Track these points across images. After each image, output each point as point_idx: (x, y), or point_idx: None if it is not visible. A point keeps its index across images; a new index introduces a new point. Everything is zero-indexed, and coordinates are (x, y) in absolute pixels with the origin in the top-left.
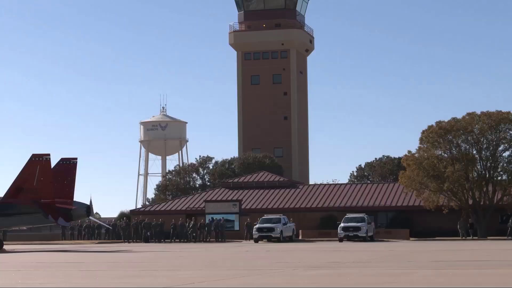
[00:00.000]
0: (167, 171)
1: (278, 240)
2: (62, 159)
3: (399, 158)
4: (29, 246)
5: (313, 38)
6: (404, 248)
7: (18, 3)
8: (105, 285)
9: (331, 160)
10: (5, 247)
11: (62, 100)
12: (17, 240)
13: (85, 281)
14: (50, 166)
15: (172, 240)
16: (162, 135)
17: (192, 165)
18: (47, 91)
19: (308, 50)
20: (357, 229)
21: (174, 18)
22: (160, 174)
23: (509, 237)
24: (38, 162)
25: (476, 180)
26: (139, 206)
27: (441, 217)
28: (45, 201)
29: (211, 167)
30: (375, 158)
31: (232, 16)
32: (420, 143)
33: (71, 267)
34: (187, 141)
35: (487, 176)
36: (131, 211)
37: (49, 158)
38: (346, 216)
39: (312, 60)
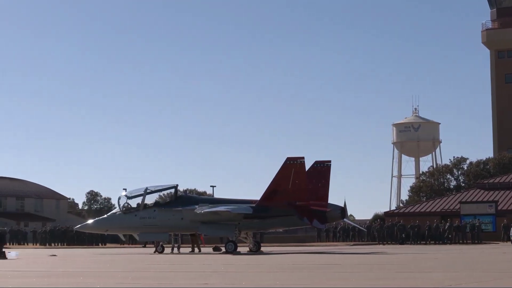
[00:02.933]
0: (420, 172)
1: None
2: (316, 162)
3: None
4: (285, 248)
5: None
6: None
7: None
8: (358, 286)
9: None
10: (262, 248)
11: (311, 104)
12: (274, 242)
13: (337, 282)
14: (305, 169)
15: (427, 242)
16: (415, 136)
17: (446, 166)
18: (296, 95)
19: None
20: None
21: (424, 17)
22: (413, 176)
23: None
24: (292, 165)
25: None
26: (393, 207)
27: None
28: (300, 203)
29: (465, 168)
30: None
31: (484, 14)
32: None
33: (325, 269)
34: (440, 142)
35: None
36: (385, 213)
37: (303, 161)
38: None
39: None
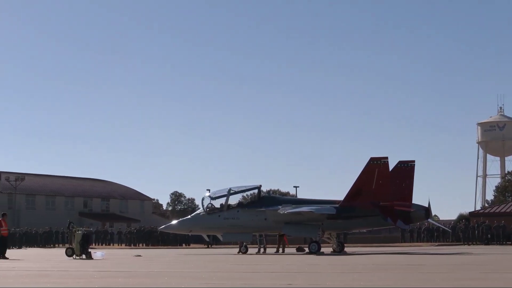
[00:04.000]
0: (506, 172)
1: None
2: (400, 162)
3: None
4: (368, 248)
5: None
6: None
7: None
8: (442, 286)
9: None
10: (345, 249)
11: (395, 103)
12: (357, 243)
13: (421, 283)
14: (388, 169)
15: None
16: (500, 135)
17: None
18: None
19: None
20: None
21: (510, 15)
22: (498, 175)
23: None
24: (376, 165)
25: None
26: (478, 207)
27: None
28: (384, 204)
29: None
30: None
31: None
32: None
33: (409, 269)
34: None
35: None
36: (470, 213)
37: (387, 161)
38: None
39: None
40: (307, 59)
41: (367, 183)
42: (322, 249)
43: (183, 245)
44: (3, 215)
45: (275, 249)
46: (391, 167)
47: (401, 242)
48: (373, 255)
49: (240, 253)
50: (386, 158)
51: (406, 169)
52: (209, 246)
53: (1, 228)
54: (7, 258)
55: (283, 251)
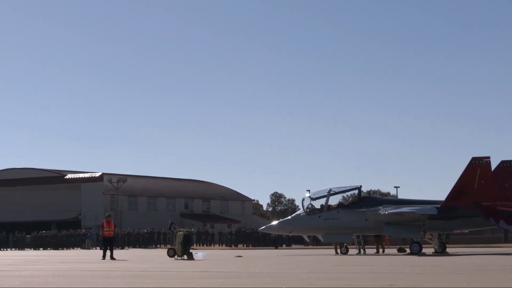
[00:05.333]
0: None
1: None
2: (503, 162)
3: None
4: (471, 249)
5: None
6: None
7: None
8: None
9: None
10: (447, 250)
11: (497, 101)
12: (459, 243)
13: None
14: (491, 169)
15: None
16: None
17: None
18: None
19: None
20: None
21: None
22: None
23: None
24: (478, 165)
25: None
26: None
27: None
28: (486, 204)
29: None
30: None
31: None
32: None
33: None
34: None
35: None
36: None
37: (489, 160)
38: None
39: None
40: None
41: (469, 183)
42: (424, 250)
43: (284, 245)
44: (107, 216)
45: (374, 250)
46: (493, 166)
47: (504, 243)
48: (475, 256)
49: (340, 253)
50: (488, 157)
51: (509, 168)
52: (276, 248)
53: (104, 230)
54: (114, 259)
55: (383, 251)
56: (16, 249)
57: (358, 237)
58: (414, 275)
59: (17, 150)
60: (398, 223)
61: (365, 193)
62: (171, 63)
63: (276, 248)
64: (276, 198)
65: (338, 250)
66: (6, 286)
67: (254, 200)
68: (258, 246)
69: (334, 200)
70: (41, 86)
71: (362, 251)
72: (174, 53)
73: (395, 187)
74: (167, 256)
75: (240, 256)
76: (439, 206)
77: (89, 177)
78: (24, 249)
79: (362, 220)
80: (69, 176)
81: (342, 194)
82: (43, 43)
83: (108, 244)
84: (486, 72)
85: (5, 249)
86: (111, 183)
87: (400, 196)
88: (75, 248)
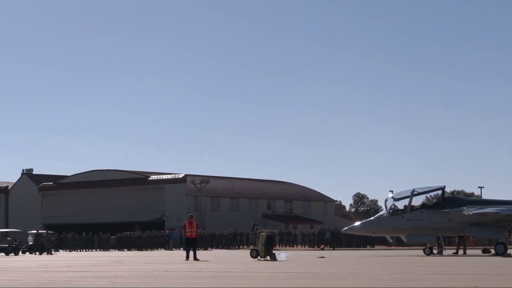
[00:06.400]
0: None
1: None
2: None
3: None
4: None
5: None
6: None
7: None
8: None
9: None
10: None
11: None
12: None
13: None
14: None
15: None
16: None
17: None
18: None
19: None
20: None
21: None
22: None
23: None
24: None
25: None
26: None
27: None
28: None
29: None
30: None
31: None
32: None
33: None
34: None
35: None
36: None
37: None
38: None
39: None
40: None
41: None
42: (509, 251)
43: (367, 246)
44: (189, 217)
45: (454, 250)
46: None
47: None
48: None
49: (430, 254)
50: None
51: None
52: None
53: (186, 231)
54: (197, 260)
55: (464, 252)
56: (101, 250)
57: (438, 238)
58: (499, 276)
59: (102, 152)
60: (482, 224)
61: (448, 193)
62: (253, 64)
63: (359, 249)
64: (359, 198)
65: (429, 251)
66: (91, 286)
67: (336, 201)
68: (341, 247)
69: (417, 201)
70: (127, 91)
71: (442, 252)
72: (254, 56)
73: (479, 187)
74: (250, 257)
75: (323, 257)
76: None
77: (173, 178)
78: (108, 250)
79: (445, 221)
80: (153, 177)
81: (425, 194)
82: (134, 53)
83: (191, 245)
84: None
85: (90, 250)
86: (194, 184)
87: (484, 197)
88: (159, 249)
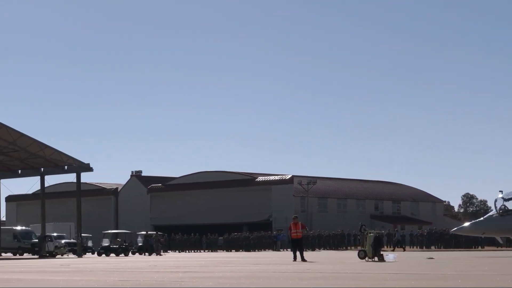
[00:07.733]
0: None
1: None
2: None
3: None
4: None
5: None
6: None
7: None
8: None
9: None
10: None
11: None
12: None
13: None
14: None
15: None
16: None
17: None
18: None
19: None
20: None
21: None
22: None
23: None
24: None
25: None
26: None
27: None
28: None
29: None
30: None
31: None
32: None
33: None
34: None
35: None
36: None
37: None
38: None
39: None
40: None
41: None
42: None
43: (478, 247)
44: (294, 218)
45: None
46: None
47: None
48: None
49: None
50: None
51: None
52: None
53: (291, 231)
54: (305, 260)
55: None
56: (209, 251)
57: None
58: None
59: (210, 154)
60: None
61: None
62: (360, 64)
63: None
64: (468, 199)
65: None
66: (200, 286)
67: (445, 201)
68: (450, 248)
69: None
70: (235, 94)
71: None
72: (361, 56)
73: None
74: (358, 258)
75: (432, 258)
76: None
77: (280, 179)
78: (216, 251)
79: None
80: (260, 178)
81: None
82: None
83: (297, 245)
84: None
85: (198, 251)
86: (301, 185)
87: None
88: (266, 249)
